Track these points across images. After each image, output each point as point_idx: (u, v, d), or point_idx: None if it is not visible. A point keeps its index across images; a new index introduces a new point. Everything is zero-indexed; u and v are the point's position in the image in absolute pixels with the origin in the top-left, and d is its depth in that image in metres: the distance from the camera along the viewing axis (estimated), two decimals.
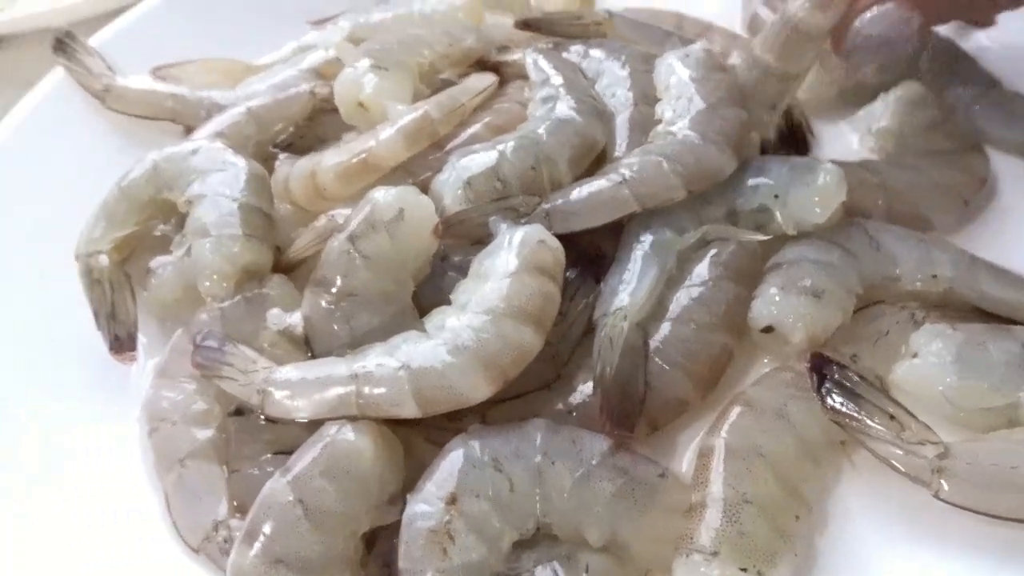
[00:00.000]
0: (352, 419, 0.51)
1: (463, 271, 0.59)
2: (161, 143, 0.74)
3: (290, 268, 0.65)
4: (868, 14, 0.61)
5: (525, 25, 0.80)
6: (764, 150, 0.73)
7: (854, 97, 0.76)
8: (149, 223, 0.67)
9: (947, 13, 0.64)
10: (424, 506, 0.48)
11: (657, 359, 0.56)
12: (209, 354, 0.56)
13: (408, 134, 0.66)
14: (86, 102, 0.80)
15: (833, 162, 0.67)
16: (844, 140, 0.75)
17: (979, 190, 0.67)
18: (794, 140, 0.73)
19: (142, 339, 0.64)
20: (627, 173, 0.61)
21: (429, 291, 0.61)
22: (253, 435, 0.55)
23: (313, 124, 0.78)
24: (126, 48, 0.85)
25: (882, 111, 0.72)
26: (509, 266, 0.55)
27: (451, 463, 0.49)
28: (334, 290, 0.58)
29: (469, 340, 0.52)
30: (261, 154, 0.75)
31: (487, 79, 0.75)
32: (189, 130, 0.78)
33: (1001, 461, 0.48)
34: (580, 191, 0.61)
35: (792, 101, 0.75)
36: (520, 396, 0.57)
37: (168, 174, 0.67)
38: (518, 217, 0.60)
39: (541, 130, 0.65)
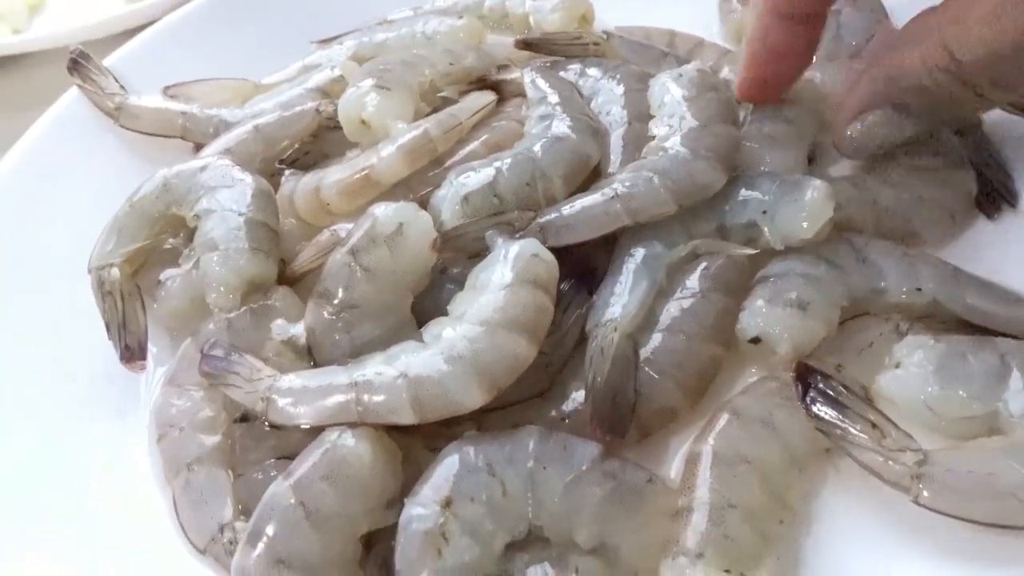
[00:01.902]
0: (352, 426, 0.53)
1: (461, 284, 0.61)
2: (172, 160, 0.77)
3: (294, 280, 0.68)
4: (859, 124, 0.65)
5: (525, 45, 0.82)
6: None
7: None
8: (159, 237, 0.70)
9: (936, 113, 0.64)
10: (420, 509, 0.50)
11: (647, 368, 0.58)
12: (216, 363, 0.58)
13: (408, 152, 0.68)
14: (99, 120, 0.83)
15: (823, 179, 0.70)
16: (837, 155, 0.76)
17: (965, 204, 0.68)
18: None
19: (152, 349, 0.66)
20: (619, 188, 0.63)
21: (428, 303, 0.63)
22: (258, 441, 0.57)
23: (318, 141, 0.80)
24: (139, 68, 0.88)
25: None
26: (504, 279, 0.57)
27: (446, 468, 0.51)
28: (336, 302, 0.60)
29: (465, 350, 0.54)
30: (267, 170, 0.77)
31: (486, 97, 0.77)
32: (199, 147, 0.81)
33: (978, 468, 0.50)
34: (573, 206, 0.63)
35: None
36: (515, 404, 0.59)
37: (178, 190, 0.69)
38: (514, 232, 0.62)
39: (536, 147, 0.67)
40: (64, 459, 0.62)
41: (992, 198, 0.70)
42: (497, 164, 0.66)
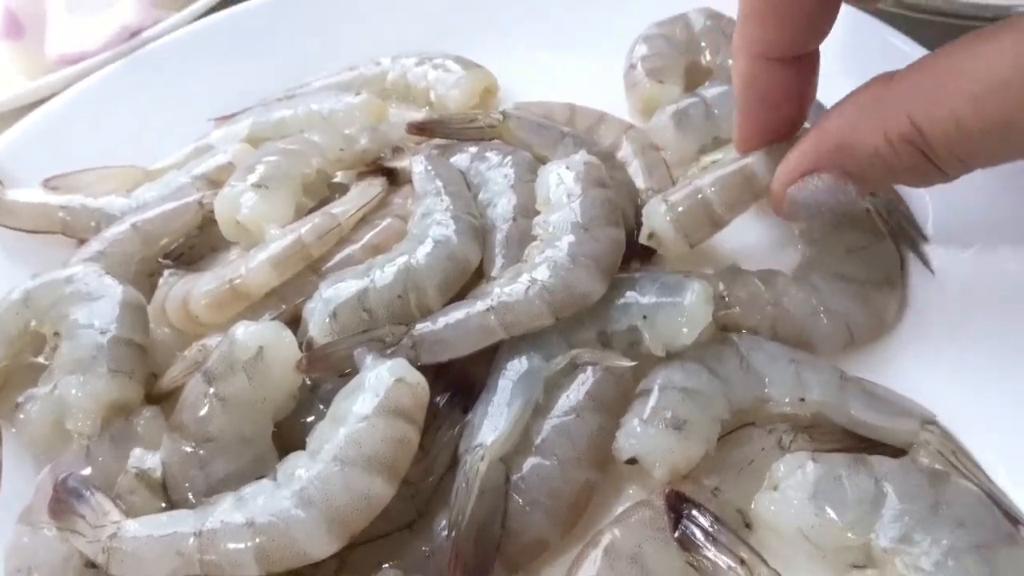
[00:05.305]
0: None
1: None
2: (54, 258, 0.74)
3: (163, 398, 0.65)
4: (803, 185, 0.57)
5: (418, 130, 0.80)
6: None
7: None
8: (19, 357, 0.66)
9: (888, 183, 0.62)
10: None
11: (517, 498, 0.56)
12: (66, 502, 0.55)
13: (278, 262, 0.65)
14: None
15: (729, 269, 0.67)
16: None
17: (875, 334, 0.65)
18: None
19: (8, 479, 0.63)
20: (494, 300, 0.61)
21: (296, 426, 0.61)
22: None
23: (204, 234, 0.77)
24: (20, 158, 0.84)
25: None
26: (364, 408, 0.54)
27: None
28: (191, 435, 0.57)
29: (315, 493, 0.51)
30: (148, 269, 0.75)
31: (371, 191, 0.74)
32: (81, 243, 0.78)
33: None
34: (447, 319, 0.61)
35: None
36: (381, 537, 0.56)
37: (40, 304, 0.66)
38: (385, 348, 0.60)
39: (413, 255, 0.64)
40: None
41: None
42: (368, 276, 0.63)
